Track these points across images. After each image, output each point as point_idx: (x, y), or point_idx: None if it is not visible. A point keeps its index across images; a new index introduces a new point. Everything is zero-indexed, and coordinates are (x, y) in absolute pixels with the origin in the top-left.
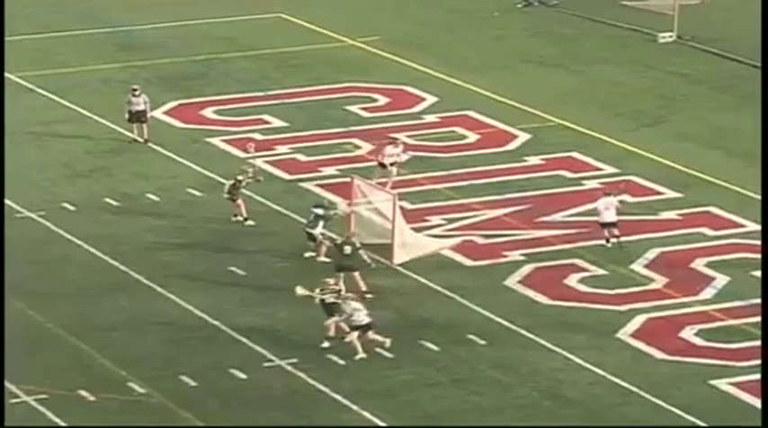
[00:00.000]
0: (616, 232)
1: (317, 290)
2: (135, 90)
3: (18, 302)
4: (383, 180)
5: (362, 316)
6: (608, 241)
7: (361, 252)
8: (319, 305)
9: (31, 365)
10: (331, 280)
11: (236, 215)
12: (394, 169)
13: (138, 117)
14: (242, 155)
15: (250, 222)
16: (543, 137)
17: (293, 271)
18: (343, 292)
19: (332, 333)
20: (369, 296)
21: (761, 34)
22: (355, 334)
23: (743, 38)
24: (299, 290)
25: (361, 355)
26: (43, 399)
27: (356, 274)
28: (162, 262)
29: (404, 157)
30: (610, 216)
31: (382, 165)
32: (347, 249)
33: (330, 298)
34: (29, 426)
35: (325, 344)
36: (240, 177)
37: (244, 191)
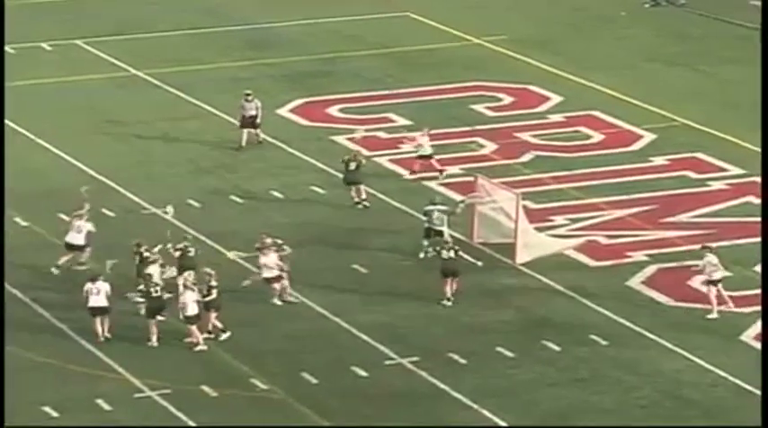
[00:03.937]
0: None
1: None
2: (248, 95)
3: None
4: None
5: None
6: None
7: (360, 168)
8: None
9: (154, 360)
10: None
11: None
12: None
13: (250, 122)
14: (367, 153)
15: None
16: (668, 137)
17: (415, 269)
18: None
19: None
20: None
21: (761, 34)
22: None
23: None
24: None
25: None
26: (166, 394)
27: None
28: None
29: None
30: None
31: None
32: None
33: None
34: (30, 426)
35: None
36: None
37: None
